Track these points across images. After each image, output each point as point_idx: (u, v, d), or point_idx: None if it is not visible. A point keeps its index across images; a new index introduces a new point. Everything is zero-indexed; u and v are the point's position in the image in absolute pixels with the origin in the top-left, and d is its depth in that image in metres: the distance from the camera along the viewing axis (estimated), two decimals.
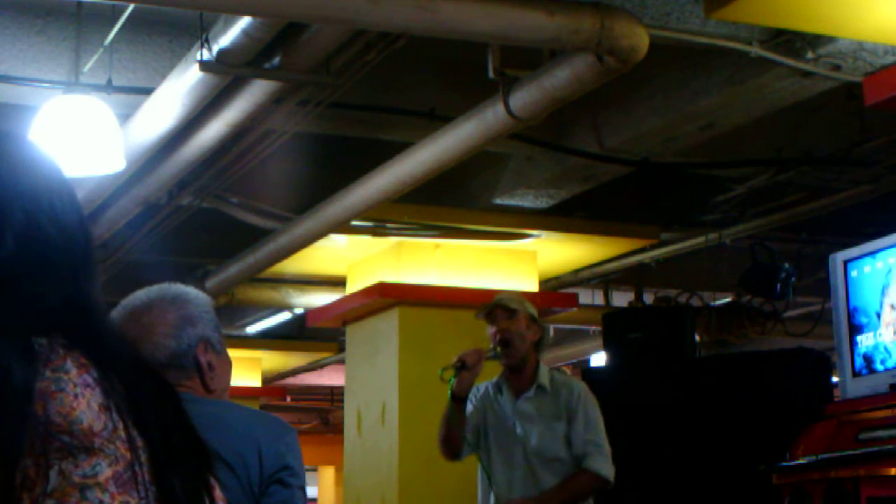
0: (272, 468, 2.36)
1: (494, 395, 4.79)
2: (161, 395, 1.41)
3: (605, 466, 4.61)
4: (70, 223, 1.42)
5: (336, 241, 7.64)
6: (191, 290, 2.49)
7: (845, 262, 5.04)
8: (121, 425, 1.31)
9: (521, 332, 4.69)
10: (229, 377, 2.51)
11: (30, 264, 1.36)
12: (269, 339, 11.88)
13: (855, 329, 4.95)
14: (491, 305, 4.75)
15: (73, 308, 1.37)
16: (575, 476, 4.61)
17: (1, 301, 1.33)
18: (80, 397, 1.29)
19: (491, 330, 4.72)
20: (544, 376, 4.73)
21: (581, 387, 4.77)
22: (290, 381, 14.33)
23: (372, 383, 7.81)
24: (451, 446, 4.69)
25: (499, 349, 4.68)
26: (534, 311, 4.81)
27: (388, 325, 7.69)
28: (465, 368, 4.57)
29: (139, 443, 1.32)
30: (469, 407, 4.69)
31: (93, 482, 1.27)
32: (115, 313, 2.38)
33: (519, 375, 4.74)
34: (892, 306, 4.79)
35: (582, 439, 4.62)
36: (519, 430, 4.68)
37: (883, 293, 4.84)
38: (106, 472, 1.28)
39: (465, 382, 4.59)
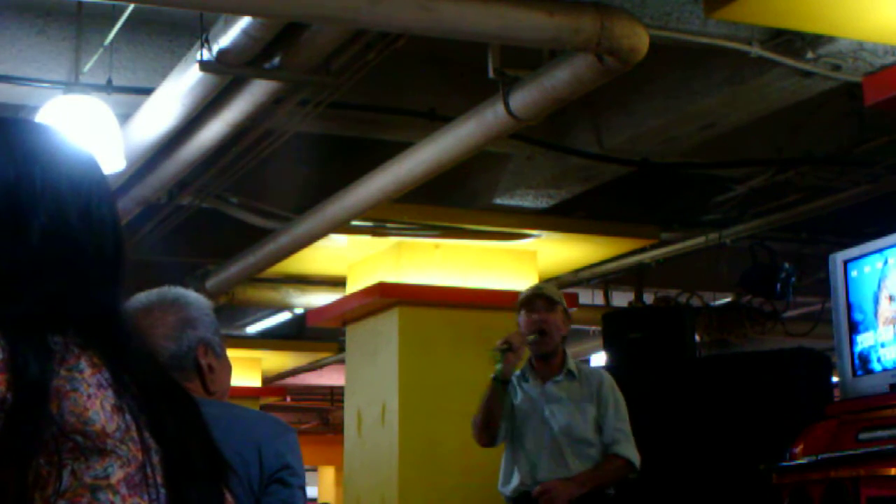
0: (272, 467, 2.37)
1: (518, 383, 4.84)
2: (177, 400, 1.40)
3: (634, 454, 4.75)
4: (103, 223, 1.41)
5: (336, 241, 7.64)
6: (190, 293, 2.49)
7: (845, 262, 5.04)
8: (133, 426, 1.30)
9: (557, 324, 4.81)
10: (229, 380, 2.52)
11: (53, 261, 1.35)
12: (269, 339, 11.88)
13: (854, 329, 4.95)
14: (533, 294, 4.82)
15: (93, 309, 1.36)
16: (608, 461, 4.72)
17: (19, 297, 1.32)
18: (93, 397, 1.28)
19: (527, 318, 4.77)
20: (572, 363, 4.85)
21: (610, 377, 4.90)
22: (290, 381, 14.32)
23: (372, 383, 7.81)
24: (491, 431, 4.74)
25: (536, 336, 4.74)
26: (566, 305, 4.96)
27: (388, 325, 7.69)
28: (510, 350, 4.68)
29: (151, 444, 1.31)
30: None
31: (104, 483, 1.27)
32: None
33: (546, 364, 4.83)
34: (891, 297, 4.78)
35: (613, 426, 4.74)
36: (547, 412, 4.75)
37: (879, 286, 4.84)
38: (117, 474, 1.28)
39: (511, 364, 4.70)
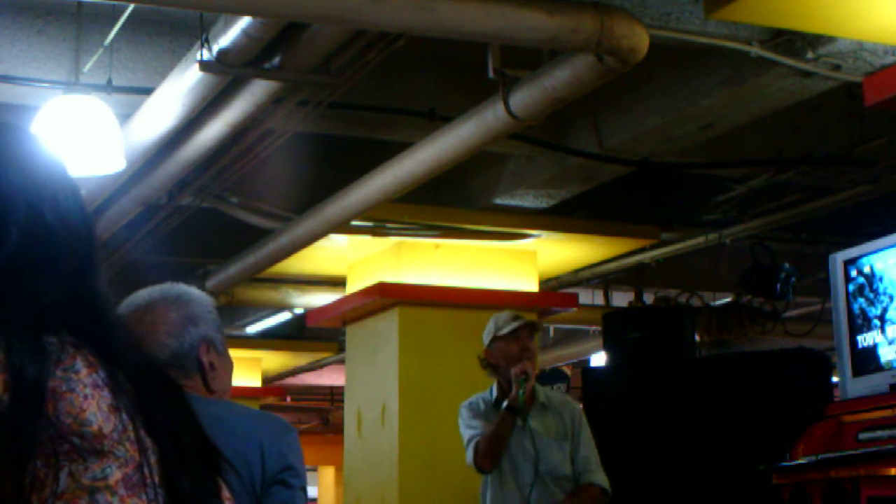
0: (275, 468, 2.36)
1: (494, 411, 4.85)
2: (170, 396, 1.40)
3: (606, 480, 4.85)
4: (73, 217, 1.41)
5: (336, 241, 7.64)
6: (193, 290, 2.48)
7: (845, 262, 5.04)
8: (130, 426, 1.30)
9: (536, 351, 4.98)
10: (231, 377, 2.51)
11: (34, 259, 1.35)
12: (269, 339, 11.87)
13: (855, 329, 4.95)
14: (523, 323, 4.86)
15: (79, 304, 1.36)
16: (587, 490, 4.81)
17: (8, 298, 1.31)
18: (89, 398, 1.28)
19: (516, 345, 4.82)
20: (541, 394, 4.90)
21: (578, 407, 5.04)
22: (290, 381, 14.32)
23: (372, 383, 7.80)
24: (498, 458, 4.77)
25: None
26: None
27: (388, 325, 7.69)
28: (527, 380, 4.71)
29: (148, 444, 1.31)
30: (478, 423, 4.82)
31: (102, 485, 1.26)
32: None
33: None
34: (892, 297, 4.78)
35: (584, 457, 4.83)
36: (530, 447, 4.78)
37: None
38: (115, 475, 1.27)
39: (526, 394, 4.74)
